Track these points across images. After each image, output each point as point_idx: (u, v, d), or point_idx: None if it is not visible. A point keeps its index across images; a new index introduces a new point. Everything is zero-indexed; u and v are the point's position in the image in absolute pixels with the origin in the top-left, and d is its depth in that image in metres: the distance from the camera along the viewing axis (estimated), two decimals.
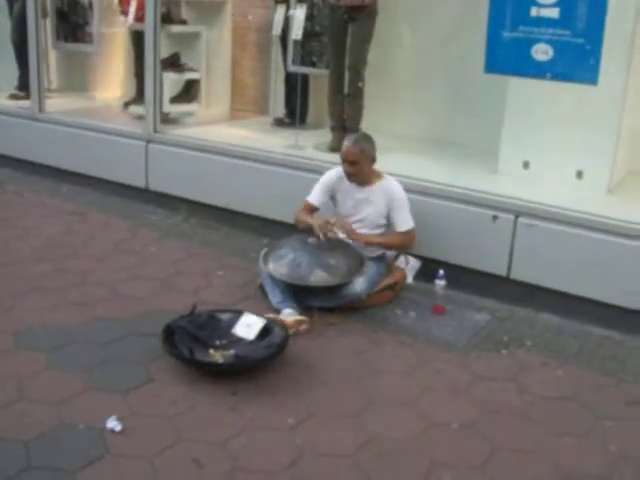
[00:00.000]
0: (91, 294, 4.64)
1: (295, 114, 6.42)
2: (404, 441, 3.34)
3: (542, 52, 4.55)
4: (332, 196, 4.83)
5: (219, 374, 3.77)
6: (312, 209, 4.82)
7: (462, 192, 4.90)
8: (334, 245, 4.60)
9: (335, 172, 4.82)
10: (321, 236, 4.52)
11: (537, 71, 4.62)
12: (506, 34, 4.64)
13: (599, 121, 4.92)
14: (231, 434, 3.30)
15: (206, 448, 3.20)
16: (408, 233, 4.68)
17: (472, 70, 5.54)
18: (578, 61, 4.46)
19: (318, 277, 4.40)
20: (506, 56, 4.69)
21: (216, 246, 5.58)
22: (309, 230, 4.63)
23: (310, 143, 6.02)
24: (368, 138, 4.71)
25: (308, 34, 6.08)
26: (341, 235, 4.57)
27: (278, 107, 6.99)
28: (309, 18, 6.01)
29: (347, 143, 4.64)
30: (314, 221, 4.63)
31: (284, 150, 5.83)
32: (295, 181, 5.49)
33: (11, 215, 6.08)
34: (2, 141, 7.42)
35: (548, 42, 4.53)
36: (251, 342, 3.90)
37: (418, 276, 4.95)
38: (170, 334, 3.88)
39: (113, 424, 3.27)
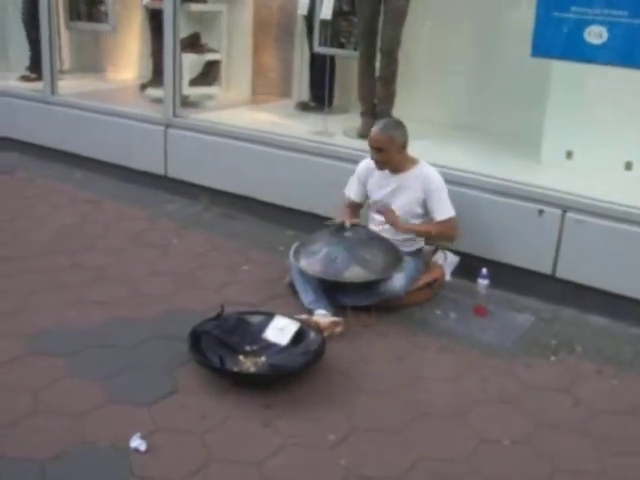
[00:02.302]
0: (110, 291, 4.37)
1: (320, 98, 6.14)
2: (455, 461, 3.06)
3: (596, 35, 4.21)
4: (365, 186, 4.56)
5: (252, 384, 3.49)
6: (351, 204, 4.60)
7: (505, 184, 4.59)
8: (371, 239, 4.34)
9: (366, 161, 4.56)
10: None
11: (590, 55, 4.27)
12: (556, 15, 4.30)
13: None
14: (267, 454, 3.01)
15: (241, 470, 2.91)
16: (448, 222, 4.36)
17: (512, 53, 5.28)
18: (637, 44, 4.12)
19: (354, 273, 4.11)
20: (556, 39, 4.33)
21: (239, 238, 5.29)
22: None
23: (337, 129, 5.72)
24: (398, 124, 4.41)
25: (336, 13, 5.73)
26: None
27: (302, 90, 6.69)
28: None
29: (375, 129, 4.35)
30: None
31: (311, 136, 5.54)
32: (323, 169, 5.22)
33: (22, 203, 5.82)
34: (13, 125, 7.14)
35: (603, 24, 4.19)
36: (284, 348, 3.62)
37: (455, 272, 4.65)
38: (197, 339, 3.59)
39: (137, 443, 2.98)
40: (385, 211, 4.36)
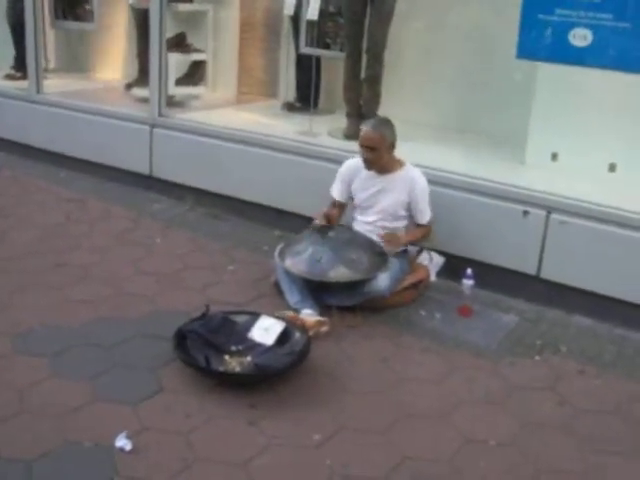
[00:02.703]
0: (94, 291, 4.35)
1: (306, 98, 6.14)
2: (439, 461, 3.07)
3: (580, 37, 4.22)
4: (349, 186, 4.55)
5: (237, 384, 3.48)
6: (337, 204, 4.58)
7: (490, 185, 4.60)
8: (356, 239, 4.35)
9: (352, 161, 4.57)
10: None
11: (574, 58, 4.28)
12: (542, 17, 4.31)
13: (633, 110, 4.64)
14: (252, 454, 3.01)
15: (225, 470, 2.91)
16: (429, 225, 4.46)
17: (497, 54, 5.32)
18: (621, 47, 4.12)
19: (339, 273, 4.12)
20: (541, 41, 4.34)
21: (225, 238, 5.28)
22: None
23: (323, 129, 5.72)
24: (388, 123, 4.41)
25: (322, 14, 5.73)
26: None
27: (288, 91, 6.68)
28: None
29: (366, 127, 4.35)
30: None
31: (297, 136, 5.54)
32: (308, 170, 5.21)
33: (7, 202, 5.78)
34: None
35: (587, 26, 4.20)
36: (270, 348, 3.61)
37: (440, 273, 4.66)
38: (182, 339, 3.59)
39: (122, 442, 2.98)
40: (385, 237, 4.33)
